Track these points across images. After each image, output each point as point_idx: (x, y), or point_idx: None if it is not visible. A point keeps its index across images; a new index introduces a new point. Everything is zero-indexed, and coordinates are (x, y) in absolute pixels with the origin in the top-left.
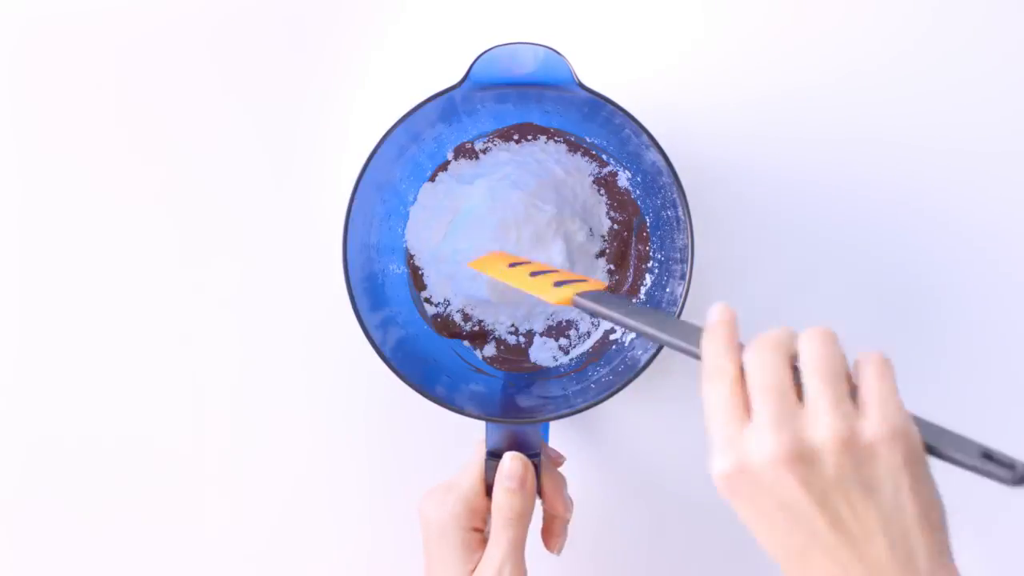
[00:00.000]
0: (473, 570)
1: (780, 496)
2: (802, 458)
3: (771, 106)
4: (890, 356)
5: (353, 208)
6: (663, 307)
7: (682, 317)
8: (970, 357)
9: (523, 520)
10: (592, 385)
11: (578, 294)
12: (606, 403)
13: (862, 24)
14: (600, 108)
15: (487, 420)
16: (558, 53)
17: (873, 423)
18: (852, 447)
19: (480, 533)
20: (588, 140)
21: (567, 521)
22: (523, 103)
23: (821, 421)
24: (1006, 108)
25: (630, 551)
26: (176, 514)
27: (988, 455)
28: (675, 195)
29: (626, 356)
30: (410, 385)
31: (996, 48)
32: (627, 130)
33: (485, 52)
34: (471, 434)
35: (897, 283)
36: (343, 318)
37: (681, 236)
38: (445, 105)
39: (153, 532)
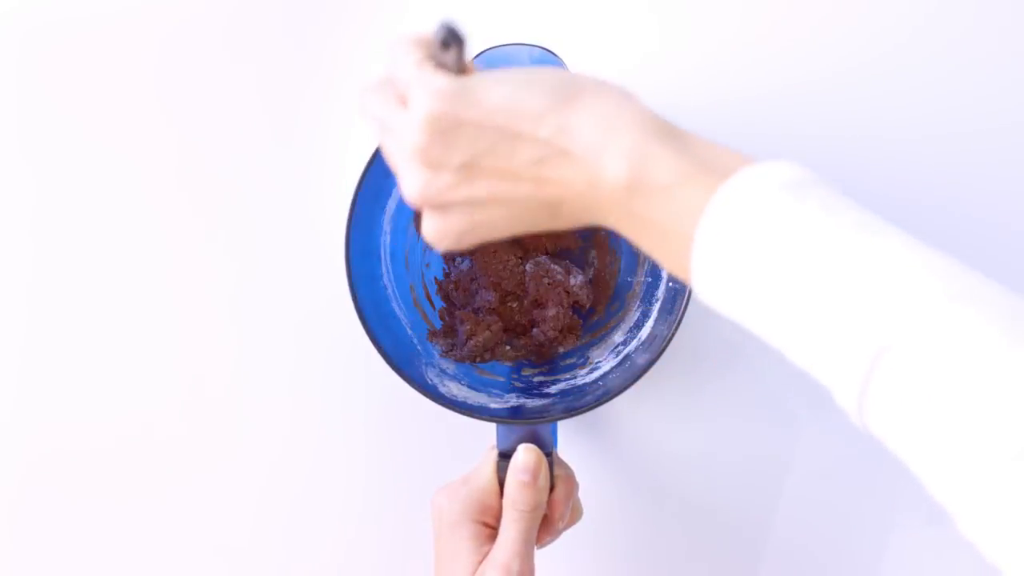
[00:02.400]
0: (481, 561)
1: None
2: (429, 163)
3: (767, 103)
4: None
5: (354, 213)
6: (655, 303)
7: (684, 318)
8: None
9: (535, 514)
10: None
11: None
12: (607, 403)
13: (855, 19)
14: None
15: (497, 421)
16: (553, 54)
17: (412, 123)
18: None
19: (490, 528)
20: None
21: (562, 528)
22: None
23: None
24: (1000, 102)
25: (632, 549)
26: (176, 513)
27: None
28: None
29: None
30: (414, 387)
31: (989, 42)
32: None
33: (480, 54)
34: (475, 434)
35: None
36: (346, 319)
37: None
38: None
39: (152, 531)
